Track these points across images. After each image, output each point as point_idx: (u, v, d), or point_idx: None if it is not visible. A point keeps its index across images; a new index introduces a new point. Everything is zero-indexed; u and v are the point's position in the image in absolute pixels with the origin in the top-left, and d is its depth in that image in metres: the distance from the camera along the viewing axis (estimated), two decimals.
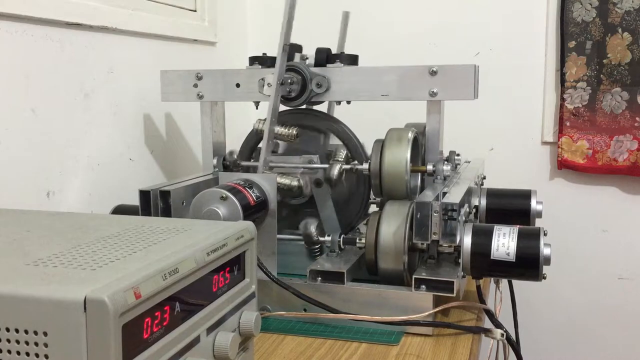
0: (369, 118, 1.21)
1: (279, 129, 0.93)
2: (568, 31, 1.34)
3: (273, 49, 0.91)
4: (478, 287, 0.80)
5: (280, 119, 0.94)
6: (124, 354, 0.40)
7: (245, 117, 1.38)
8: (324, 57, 0.97)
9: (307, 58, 0.98)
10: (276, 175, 0.87)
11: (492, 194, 0.99)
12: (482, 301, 0.81)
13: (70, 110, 0.96)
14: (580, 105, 1.35)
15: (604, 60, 1.32)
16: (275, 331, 0.80)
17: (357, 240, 0.86)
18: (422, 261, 0.84)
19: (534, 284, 1.36)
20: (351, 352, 0.74)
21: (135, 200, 0.85)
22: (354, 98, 0.95)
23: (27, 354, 0.40)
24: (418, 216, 0.74)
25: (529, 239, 0.75)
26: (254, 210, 0.82)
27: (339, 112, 1.12)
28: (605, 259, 1.41)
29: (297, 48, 0.98)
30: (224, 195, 0.80)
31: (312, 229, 0.91)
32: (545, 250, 0.74)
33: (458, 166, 1.02)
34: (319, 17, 1.39)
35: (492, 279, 0.93)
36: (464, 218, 0.78)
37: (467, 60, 1.13)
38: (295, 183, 0.91)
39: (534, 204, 0.96)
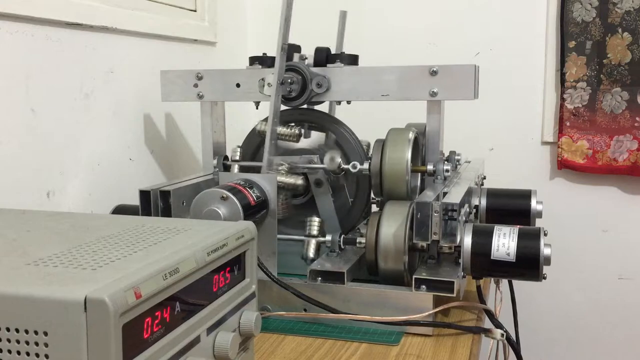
0: (369, 118, 1.21)
1: (281, 129, 0.92)
2: (568, 31, 1.34)
3: (273, 49, 0.91)
4: (478, 287, 0.80)
5: (285, 117, 0.93)
6: (124, 354, 0.40)
7: (245, 117, 1.38)
8: (324, 56, 0.97)
9: (306, 58, 0.98)
10: (276, 175, 0.87)
11: (492, 194, 0.99)
12: (482, 301, 0.81)
13: (70, 110, 0.96)
14: (580, 105, 1.35)
15: (604, 60, 1.32)
16: (275, 331, 0.80)
17: (357, 240, 0.86)
18: (422, 261, 0.84)
19: (534, 284, 1.36)
20: (351, 352, 0.74)
21: (135, 200, 0.85)
22: (354, 98, 0.95)
23: (27, 354, 0.40)
24: (418, 216, 0.74)
25: (529, 239, 0.75)
26: (254, 210, 0.82)
27: (339, 112, 1.12)
28: (605, 259, 1.41)
29: (296, 48, 0.98)
30: (225, 195, 0.80)
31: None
32: (545, 250, 0.74)
33: (458, 166, 1.02)
34: (317, 17, 1.39)
35: (492, 279, 0.93)
36: (464, 218, 0.78)
37: (467, 60, 1.13)
38: (300, 182, 0.91)
39: (534, 204, 0.96)
